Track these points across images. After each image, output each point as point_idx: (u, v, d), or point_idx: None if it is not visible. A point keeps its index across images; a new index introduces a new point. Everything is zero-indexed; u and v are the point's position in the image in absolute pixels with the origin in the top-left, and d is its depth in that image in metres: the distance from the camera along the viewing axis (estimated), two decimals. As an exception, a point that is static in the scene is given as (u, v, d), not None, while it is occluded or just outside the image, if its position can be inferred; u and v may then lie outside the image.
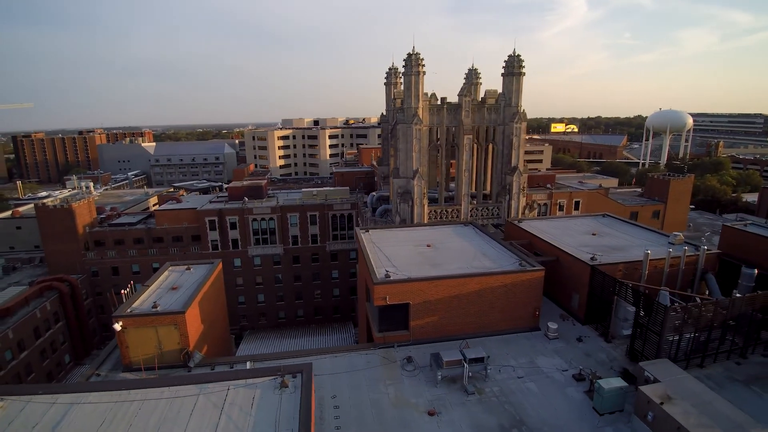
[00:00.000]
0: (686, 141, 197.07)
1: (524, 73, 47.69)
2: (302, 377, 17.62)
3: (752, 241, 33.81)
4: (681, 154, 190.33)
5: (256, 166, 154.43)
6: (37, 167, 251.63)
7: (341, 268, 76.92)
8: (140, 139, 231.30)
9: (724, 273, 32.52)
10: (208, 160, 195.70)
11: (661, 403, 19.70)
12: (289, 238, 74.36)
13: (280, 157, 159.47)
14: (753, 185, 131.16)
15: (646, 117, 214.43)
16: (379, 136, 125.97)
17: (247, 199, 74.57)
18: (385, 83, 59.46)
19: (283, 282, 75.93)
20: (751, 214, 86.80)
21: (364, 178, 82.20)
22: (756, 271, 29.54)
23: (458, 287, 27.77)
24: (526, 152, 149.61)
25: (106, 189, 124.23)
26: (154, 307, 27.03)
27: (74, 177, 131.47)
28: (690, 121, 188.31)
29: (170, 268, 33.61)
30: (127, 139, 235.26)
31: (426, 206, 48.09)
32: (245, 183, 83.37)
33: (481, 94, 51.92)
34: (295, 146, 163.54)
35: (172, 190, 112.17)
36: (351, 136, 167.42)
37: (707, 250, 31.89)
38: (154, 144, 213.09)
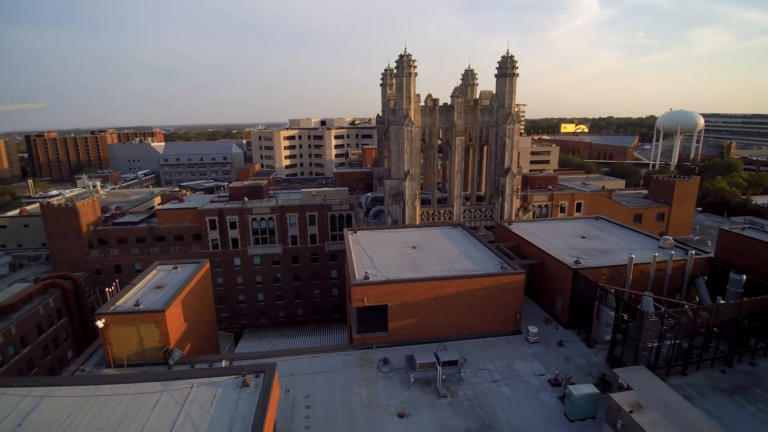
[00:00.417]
0: (697, 142, 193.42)
1: (517, 74, 47.33)
2: (264, 377, 17.78)
3: (750, 246, 32.95)
4: (692, 155, 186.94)
5: (262, 166, 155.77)
6: (50, 166, 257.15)
7: (340, 268, 77.17)
8: (150, 138, 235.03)
9: (717, 278, 31.85)
10: (216, 159, 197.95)
11: (630, 411, 19.42)
12: (289, 238, 74.85)
13: (286, 157, 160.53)
14: (765, 187, 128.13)
15: (658, 117, 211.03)
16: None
17: (247, 199, 75.27)
18: (381, 84, 59.55)
19: (282, 281, 76.47)
20: (760, 217, 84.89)
21: (364, 179, 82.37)
22: (744, 276, 28.90)
23: (437, 289, 27.73)
24: (533, 153, 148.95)
25: (114, 188, 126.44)
26: (137, 305, 27.55)
27: (85, 176, 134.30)
28: (701, 121, 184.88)
29: (158, 267, 34.12)
30: (137, 138, 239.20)
31: (418, 207, 48.05)
32: (246, 183, 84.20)
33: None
34: (300, 146, 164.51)
35: (177, 189, 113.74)
36: (357, 136, 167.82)
37: (695, 254, 31.30)
38: (163, 144, 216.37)
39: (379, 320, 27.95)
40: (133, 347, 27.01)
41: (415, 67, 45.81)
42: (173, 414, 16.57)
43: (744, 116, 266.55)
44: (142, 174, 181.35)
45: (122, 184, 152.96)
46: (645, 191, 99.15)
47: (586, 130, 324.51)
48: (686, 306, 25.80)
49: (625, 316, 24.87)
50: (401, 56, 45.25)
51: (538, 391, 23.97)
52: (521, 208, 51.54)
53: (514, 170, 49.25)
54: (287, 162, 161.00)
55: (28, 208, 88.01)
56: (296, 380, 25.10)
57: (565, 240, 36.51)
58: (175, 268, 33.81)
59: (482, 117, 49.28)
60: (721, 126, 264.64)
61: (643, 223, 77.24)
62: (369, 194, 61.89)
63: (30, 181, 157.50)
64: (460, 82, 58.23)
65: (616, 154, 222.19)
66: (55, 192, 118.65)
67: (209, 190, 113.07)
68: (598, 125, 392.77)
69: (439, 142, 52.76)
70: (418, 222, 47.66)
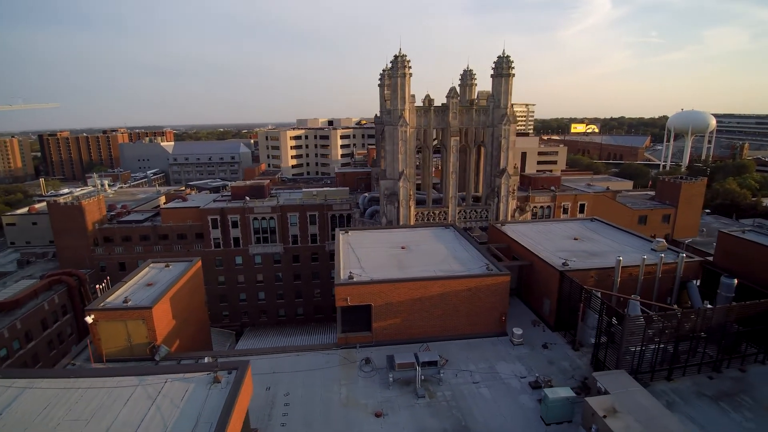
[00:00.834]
0: (709, 142, 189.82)
1: (513, 75, 47.04)
2: (237, 374, 18.04)
3: (749, 249, 32.32)
4: (703, 156, 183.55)
5: (269, 165, 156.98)
6: (62, 165, 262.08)
7: (340, 268, 77.50)
8: (160, 138, 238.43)
9: (711, 282, 31.29)
10: (224, 159, 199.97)
11: (605, 416, 19.25)
12: (290, 237, 75.40)
13: (292, 157, 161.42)
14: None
15: (669, 118, 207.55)
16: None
17: (248, 198, 75.99)
18: (379, 84, 59.62)
19: (283, 280, 77.06)
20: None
21: (365, 179, 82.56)
22: (736, 281, 28.39)
23: (421, 290, 27.76)
24: (540, 153, 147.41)
25: (122, 187, 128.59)
26: (125, 302, 28.09)
27: (95, 175, 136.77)
28: (713, 122, 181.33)
29: (151, 265, 34.70)
30: (147, 138, 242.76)
31: (413, 208, 48.06)
32: (248, 182, 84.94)
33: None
34: (307, 146, 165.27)
35: (183, 188, 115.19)
36: (363, 136, 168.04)
37: (687, 258, 30.82)
38: (172, 143, 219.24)
39: (363, 320, 28.08)
40: (122, 343, 27.57)
41: (410, 67, 45.85)
42: (144, 408, 16.96)
43: (758, 117, 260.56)
44: (151, 173, 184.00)
45: (131, 183, 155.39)
46: (652, 192, 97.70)
47: (597, 131, 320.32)
48: (669, 310, 25.42)
49: (611, 320, 24.63)
50: (396, 57, 45.29)
51: (517, 393, 23.87)
52: (518, 209, 51.22)
53: (510, 171, 48.97)
54: (293, 162, 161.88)
55: (38, 206, 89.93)
56: (278, 378, 25.36)
57: (557, 242, 36.22)
58: (167, 266, 34.34)
59: (478, 117, 49.11)
60: (734, 126, 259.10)
61: (648, 225, 76.09)
62: (366, 194, 62.08)
63: (42, 180, 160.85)
64: (459, 82, 58.06)
65: (627, 154, 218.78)
66: (65, 190, 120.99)
67: (215, 190, 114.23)
68: (609, 125, 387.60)
69: (435, 142, 52.71)
70: (413, 222, 47.68)
